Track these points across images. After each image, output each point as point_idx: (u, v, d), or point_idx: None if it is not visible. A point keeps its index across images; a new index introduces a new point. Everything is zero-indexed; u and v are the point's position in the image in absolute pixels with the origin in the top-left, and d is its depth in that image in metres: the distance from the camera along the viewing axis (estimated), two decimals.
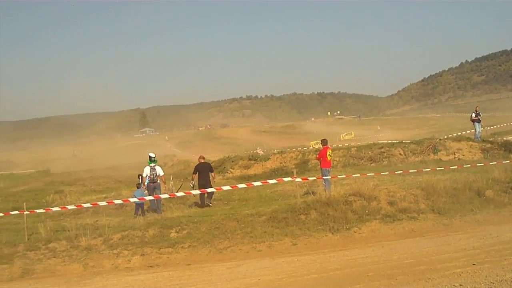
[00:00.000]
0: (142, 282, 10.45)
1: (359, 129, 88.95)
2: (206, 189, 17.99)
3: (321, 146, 18.80)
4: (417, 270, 9.03)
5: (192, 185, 19.17)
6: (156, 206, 18.50)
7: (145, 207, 18.89)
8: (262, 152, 41.20)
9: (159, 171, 18.75)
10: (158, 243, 13.31)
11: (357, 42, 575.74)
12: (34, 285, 11.16)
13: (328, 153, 17.98)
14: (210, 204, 18.48)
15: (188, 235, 13.62)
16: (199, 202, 18.98)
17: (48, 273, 12.38)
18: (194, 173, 19.27)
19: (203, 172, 19.06)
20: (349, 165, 29.44)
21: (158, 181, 18.71)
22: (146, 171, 18.73)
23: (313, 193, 16.04)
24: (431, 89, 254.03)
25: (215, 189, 18.38)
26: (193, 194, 18.14)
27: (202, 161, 19.74)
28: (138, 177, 20.19)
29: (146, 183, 19.00)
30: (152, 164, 18.76)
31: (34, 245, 13.80)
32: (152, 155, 19.25)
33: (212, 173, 19.52)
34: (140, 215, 17.67)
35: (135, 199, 17.40)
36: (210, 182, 18.92)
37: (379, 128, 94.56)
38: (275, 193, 20.43)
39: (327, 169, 17.90)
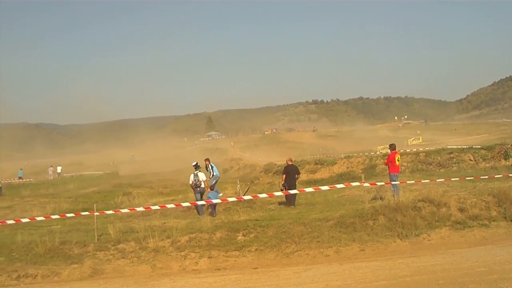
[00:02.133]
0: (209, 284, 10.52)
1: (427, 134, 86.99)
2: (289, 191, 18.34)
3: (389, 151, 18.60)
4: (490, 279, 8.82)
5: (282, 186, 19.99)
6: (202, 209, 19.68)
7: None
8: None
9: (202, 177, 20.04)
10: (225, 246, 13.43)
11: (425, 45, 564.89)
12: (103, 285, 11.42)
13: (396, 158, 17.78)
14: (294, 205, 19.26)
15: (255, 239, 13.67)
16: (286, 202, 19.86)
17: (117, 273, 12.66)
18: (284, 174, 20.38)
19: (291, 173, 20.10)
20: (418, 171, 29.06)
21: (202, 185, 19.93)
22: (191, 177, 20.12)
23: (381, 198, 15.88)
24: (502, 94, 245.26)
25: (285, 191, 18.50)
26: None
27: (290, 163, 20.85)
28: (197, 166, 20.82)
29: (213, 183, 20.43)
30: (196, 171, 20.13)
31: (103, 245, 14.18)
32: (194, 163, 20.64)
33: (298, 175, 20.70)
34: (211, 214, 18.41)
35: (217, 200, 18.27)
36: (295, 184, 20.07)
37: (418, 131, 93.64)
38: (342, 197, 20.33)
39: (396, 174, 17.69)
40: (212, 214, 18.58)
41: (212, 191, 19.86)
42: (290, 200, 19.61)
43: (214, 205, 18.95)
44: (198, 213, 19.47)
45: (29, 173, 67.79)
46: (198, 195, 20.03)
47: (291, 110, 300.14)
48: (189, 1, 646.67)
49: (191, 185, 20.22)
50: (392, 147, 18.43)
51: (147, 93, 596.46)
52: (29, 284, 12.08)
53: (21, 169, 62.57)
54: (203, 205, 19.62)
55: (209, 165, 21.09)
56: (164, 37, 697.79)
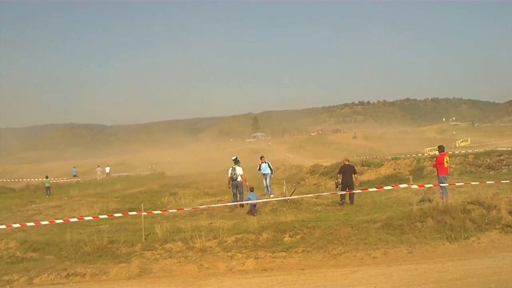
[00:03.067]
0: (256, 285, 10.60)
1: (475, 135, 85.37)
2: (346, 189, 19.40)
3: (438, 153, 18.37)
4: None
5: (336, 185, 21.22)
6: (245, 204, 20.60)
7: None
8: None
9: (239, 171, 21.30)
10: (271, 247, 13.47)
11: (474, 46, 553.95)
12: (151, 284, 11.59)
13: (445, 160, 17.58)
14: (353, 202, 19.86)
15: (301, 240, 13.68)
16: (340, 201, 20.12)
17: (164, 273, 12.81)
18: (339, 173, 21.07)
19: (347, 173, 20.55)
20: (466, 173, 28.61)
21: (239, 179, 21.19)
22: (229, 171, 21.50)
23: (430, 200, 15.68)
24: None
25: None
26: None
27: (347, 163, 21.30)
28: (236, 160, 22.10)
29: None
30: (234, 165, 21.45)
31: (151, 245, 14.39)
32: (233, 157, 22.21)
33: (355, 175, 20.97)
34: (254, 214, 18.76)
35: (253, 201, 19.32)
36: (353, 183, 20.54)
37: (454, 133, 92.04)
38: (389, 199, 20.16)
39: (444, 176, 17.49)
40: (252, 213, 18.92)
41: (252, 192, 20.27)
42: (349, 198, 20.04)
43: (254, 205, 19.41)
44: (241, 205, 20.69)
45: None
46: (235, 189, 21.31)
47: (337, 111, 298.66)
48: (240, 2, 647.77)
49: (229, 178, 21.43)
50: (441, 148, 18.23)
51: (194, 94, 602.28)
52: (78, 283, 12.33)
53: (74, 168, 64.08)
54: (241, 205, 20.71)
55: (262, 163, 22.89)
56: (210, 37, 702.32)
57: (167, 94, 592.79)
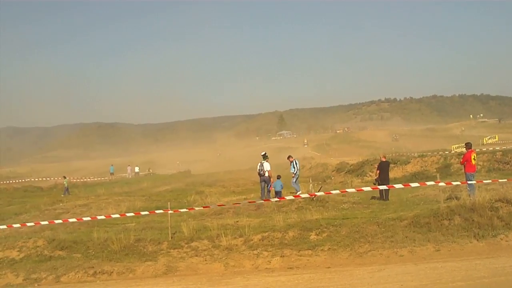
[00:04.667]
0: (282, 283, 10.64)
1: (504, 132, 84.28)
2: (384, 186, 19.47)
3: (465, 150, 18.24)
4: None
5: (376, 181, 21.87)
6: (266, 196, 21.84)
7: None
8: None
9: (266, 166, 22.11)
10: (297, 245, 13.47)
11: (502, 42, 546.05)
12: (177, 282, 11.69)
13: (472, 157, 17.45)
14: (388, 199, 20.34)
15: (328, 238, 13.67)
16: (378, 197, 20.82)
17: (191, 271, 12.87)
18: (378, 169, 22.03)
19: (384, 169, 21.68)
20: (494, 170, 28.38)
21: (266, 174, 22.02)
22: (258, 166, 22.44)
23: (457, 198, 15.53)
24: None
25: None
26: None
27: (384, 159, 22.38)
28: (264, 156, 23.20)
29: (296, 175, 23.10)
30: (263, 161, 22.29)
31: (177, 243, 14.49)
32: (262, 153, 23.10)
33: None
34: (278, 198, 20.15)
35: (278, 188, 21.79)
36: (389, 179, 21.80)
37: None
38: (416, 197, 20.08)
39: (472, 173, 17.37)
40: (267, 196, 21.25)
41: (279, 180, 22.30)
42: (384, 195, 20.43)
43: (278, 192, 21.59)
44: (261, 197, 21.76)
45: (103, 172, 69.77)
46: (263, 183, 22.29)
47: (364, 109, 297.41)
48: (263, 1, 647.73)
49: (258, 172, 22.38)
50: (468, 145, 18.11)
51: (220, 92, 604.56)
52: (105, 281, 12.49)
53: (112, 165, 65.27)
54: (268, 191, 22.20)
55: (293, 162, 23.19)
56: (236, 34, 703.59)
57: (193, 92, 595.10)
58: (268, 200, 19.44)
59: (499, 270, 9.87)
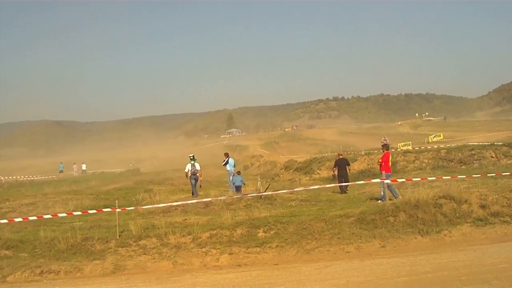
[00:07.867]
0: (230, 280, 10.59)
1: (448, 130, 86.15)
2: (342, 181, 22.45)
3: (383, 151, 18.72)
4: None
5: (333, 177, 24.14)
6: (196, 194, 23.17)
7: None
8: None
9: (198, 167, 23.53)
10: (246, 242, 13.49)
11: (446, 42, 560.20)
12: (125, 281, 11.52)
13: (390, 158, 18.05)
14: (347, 191, 21.96)
15: (275, 235, 13.71)
16: (340, 191, 22.04)
17: (139, 269, 12.74)
18: (335, 166, 23.91)
19: (342, 166, 23.37)
20: (439, 167, 29.03)
21: (198, 175, 23.40)
22: (188, 167, 23.49)
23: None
24: None
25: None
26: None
27: (341, 157, 24.48)
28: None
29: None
30: (192, 162, 23.45)
31: (125, 242, 14.27)
32: (191, 155, 24.07)
33: (349, 167, 23.79)
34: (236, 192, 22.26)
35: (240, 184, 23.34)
36: (347, 174, 23.28)
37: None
38: (363, 194, 20.35)
39: (389, 174, 17.73)
40: (238, 191, 22.71)
41: (239, 175, 23.93)
42: (341, 189, 21.98)
43: (238, 187, 23.11)
44: (192, 194, 23.33)
45: (50, 170, 68.42)
46: (193, 181, 23.42)
47: (312, 107, 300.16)
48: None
49: (186, 172, 23.56)
50: (386, 147, 18.69)
51: (169, 91, 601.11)
52: (52, 280, 12.19)
53: (61, 163, 64.37)
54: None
55: (226, 159, 25.13)
56: (187, 34, 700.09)
57: (141, 91, 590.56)
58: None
59: (442, 265, 10.04)
